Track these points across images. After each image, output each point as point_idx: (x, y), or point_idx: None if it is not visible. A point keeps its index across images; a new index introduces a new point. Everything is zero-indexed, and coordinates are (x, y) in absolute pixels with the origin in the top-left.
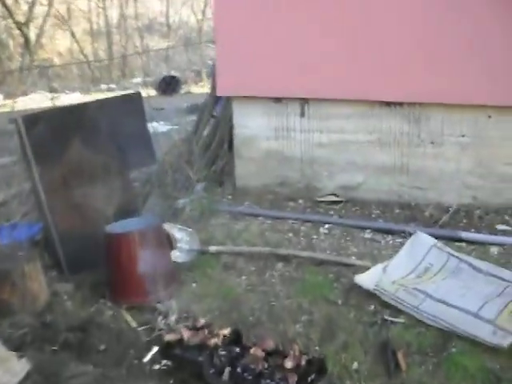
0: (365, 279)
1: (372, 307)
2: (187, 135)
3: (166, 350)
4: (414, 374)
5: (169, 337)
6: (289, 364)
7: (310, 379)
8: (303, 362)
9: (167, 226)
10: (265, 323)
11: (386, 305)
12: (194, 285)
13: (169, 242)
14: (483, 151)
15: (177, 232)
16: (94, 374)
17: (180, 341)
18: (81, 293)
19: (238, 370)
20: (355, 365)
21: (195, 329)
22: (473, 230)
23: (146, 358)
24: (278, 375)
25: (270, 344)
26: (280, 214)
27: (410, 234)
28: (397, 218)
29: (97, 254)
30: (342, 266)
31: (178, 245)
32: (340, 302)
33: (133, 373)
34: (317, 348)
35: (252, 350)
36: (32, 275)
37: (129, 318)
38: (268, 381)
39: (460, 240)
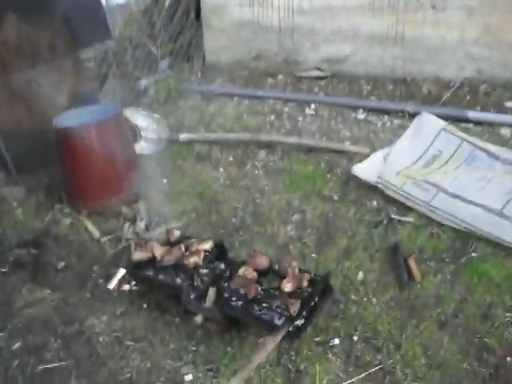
0: (364, 170)
1: (374, 203)
2: (147, 5)
3: (136, 271)
4: (430, 284)
5: (138, 256)
6: (288, 286)
7: (312, 303)
8: (305, 284)
9: (129, 114)
10: (250, 226)
11: (391, 200)
12: (164, 181)
13: (132, 133)
14: (492, 17)
15: (141, 119)
16: (53, 301)
17: (152, 260)
18: (33, 198)
19: (225, 294)
20: (360, 275)
21: (169, 244)
22: (478, 109)
23: (111, 285)
24: (275, 302)
25: (263, 262)
26: (258, 93)
27: (410, 115)
28: (391, 96)
29: (49, 152)
30: (334, 154)
31: (144, 134)
32: (336, 197)
33: (98, 296)
34: (313, 255)
35: (241, 271)
36: None
37: (90, 226)
38: (263, 309)
39: (466, 120)
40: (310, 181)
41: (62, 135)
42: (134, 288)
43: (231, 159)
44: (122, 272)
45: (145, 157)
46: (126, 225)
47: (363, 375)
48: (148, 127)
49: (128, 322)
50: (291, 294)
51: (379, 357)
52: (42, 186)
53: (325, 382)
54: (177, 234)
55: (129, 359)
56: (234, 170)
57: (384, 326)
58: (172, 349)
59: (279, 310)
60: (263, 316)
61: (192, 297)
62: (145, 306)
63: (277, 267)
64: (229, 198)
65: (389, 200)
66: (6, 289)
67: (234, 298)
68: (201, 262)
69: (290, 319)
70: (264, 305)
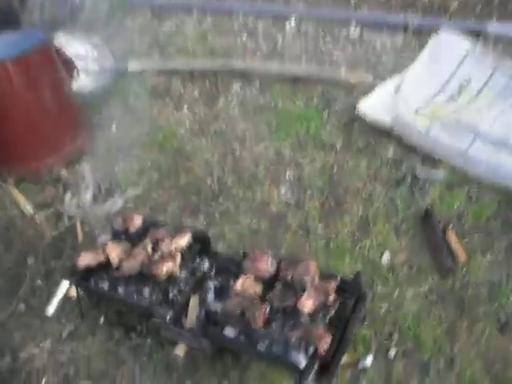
0: (371, 106)
1: (391, 153)
2: None
3: (84, 282)
4: (478, 267)
5: (85, 259)
6: (308, 305)
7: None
8: (331, 297)
9: (62, 40)
10: (232, 189)
11: (412, 148)
12: (113, 128)
13: (66, 66)
14: None
15: (77, 47)
16: None
17: (105, 265)
18: None
19: (216, 316)
20: (386, 257)
21: (128, 237)
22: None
23: (50, 310)
24: (293, 333)
25: (267, 267)
26: (224, 6)
27: (416, 30)
28: (386, 5)
29: None
30: (328, 84)
31: (82, 66)
32: (339, 145)
33: (36, 309)
34: (320, 230)
35: (239, 284)
36: None
37: (20, 197)
38: (278, 345)
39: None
40: (302, 122)
41: None
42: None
43: (197, 94)
44: (64, 287)
45: (85, 96)
46: (68, 195)
47: None
48: (87, 56)
49: (80, 349)
50: (313, 315)
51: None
52: None
53: None
54: (138, 221)
55: None
56: (203, 110)
57: (427, 331)
58: None
59: (301, 344)
60: (279, 355)
61: (167, 318)
62: (101, 320)
63: (287, 273)
64: (199, 148)
65: (409, 148)
66: None
67: (230, 327)
68: (177, 269)
69: (318, 358)
70: (278, 338)
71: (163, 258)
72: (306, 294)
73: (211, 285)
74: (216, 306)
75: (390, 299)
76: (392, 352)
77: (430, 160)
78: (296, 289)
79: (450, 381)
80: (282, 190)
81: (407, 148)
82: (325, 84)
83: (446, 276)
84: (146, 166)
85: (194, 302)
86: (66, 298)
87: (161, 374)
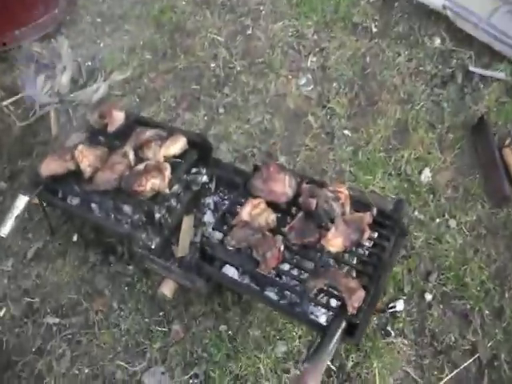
0: None
1: (438, 42)
2: None
3: (49, 196)
4: None
5: (50, 167)
6: (335, 244)
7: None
8: (366, 234)
9: None
10: (240, 77)
11: (467, 39)
12: None
13: None
14: None
15: None
16: None
17: (75, 174)
18: None
19: (216, 252)
20: (426, 175)
21: (107, 142)
22: None
23: (4, 230)
24: (315, 281)
25: (284, 189)
26: None
27: None
28: None
29: None
30: None
31: None
32: (375, 28)
33: None
34: (347, 133)
35: (246, 210)
36: None
37: None
38: (294, 295)
39: None
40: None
41: None
42: None
43: None
44: (20, 204)
45: None
46: (41, 78)
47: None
48: None
49: (49, 274)
50: (341, 258)
51: (468, 335)
52: None
53: None
54: (119, 117)
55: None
56: None
57: (473, 273)
58: (126, 331)
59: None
60: (296, 309)
61: (152, 246)
62: (75, 238)
63: (310, 199)
64: (203, 24)
65: (463, 38)
66: None
67: (234, 266)
68: (165, 185)
69: (346, 317)
70: (296, 287)
71: (148, 171)
72: (333, 229)
73: (210, 202)
74: (215, 233)
75: (428, 228)
76: (428, 296)
77: (489, 54)
78: (321, 221)
79: (496, 336)
80: (302, 81)
81: (460, 37)
82: None
83: (501, 205)
84: (138, 44)
85: (187, 224)
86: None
87: (144, 310)
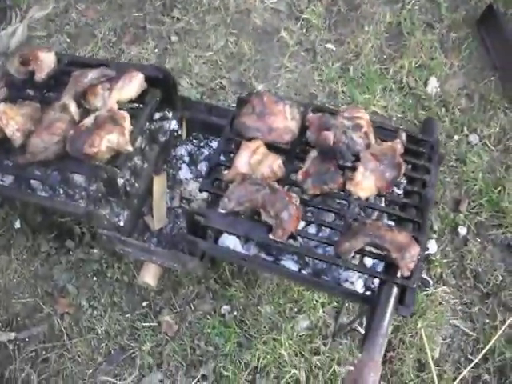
0: None
1: None
2: None
3: None
4: None
5: None
6: (367, 187)
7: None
8: (402, 170)
9: None
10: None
11: None
12: None
13: None
14: None
15: None
16: None
17: (3, 145)
18: None
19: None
20: (433, 84)
21: (36, 95)
22: None
23: None
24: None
25: (282, 122)
26: None
27: None
28: None
29: None
30: None
31: None
32: None
33: None
34: (339, 37)
35: (244, 157)
36: None
37: None
38: (327, 266)
39: None
40: None
41: None
42: None
43: None
44: None
45: None
46: None
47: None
48: None
49: None
50: (374, 204)
51: None
52: None
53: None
54: (49, 59)
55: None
56: None
57: (509, 194)
58: (104, 335)
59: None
60: (324, 278)
61: (121, 223)
62: (17, 225)
63: (321, 132)
64: None
65: None
66: None
67: (237, 236)
68: (126, 141)
69: (398, 281)
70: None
71: (100, 126)
72: (361, 168)
73: (184, 154)
74: (199, 193)
75: (447, 149)
76: (462, 229)
77: None
78: (344, 159)
79: None
80: None
81: None
82: None
83: None
84: None
85: (159, 186)
86: None
87: (122, 303)
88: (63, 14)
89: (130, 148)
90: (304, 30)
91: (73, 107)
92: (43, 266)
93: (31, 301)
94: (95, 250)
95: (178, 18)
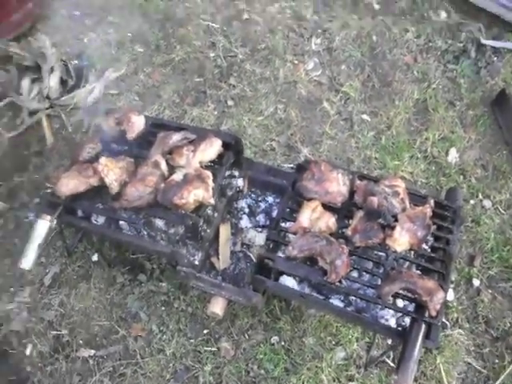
0: None
1: (444, 16)
2: None
3: (71, 218)
4: None
5: (69, 185)
6: (401, 242)
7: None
8: (431, 229)
9: None
10: (244, 65)
11: (473, 10)
12: None
13: None
14: None
15: None
16: None
17: (98, 190)
18: None
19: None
20: (453, 154)
21: (129, 150)
22: None
23: (27, 263)
24: (389, 285)
25: (336, 187)
26: None
27: None
28: None
29: None
30: None
31: None
32: (377, 5)
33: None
34: (366, 118)
35: (305, 216)
36: None
37: None
38: (368, 303)
39: None
40: None
41: None
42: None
43: None
44: (42, 230)
45: None
46: (26, 81)
47: None
48: None
49: (73, 301)
50: (406, 256)
51: None
52: None
53: None
54: (139, 121)
55: None
56: None
57: None
58: (172, 356)
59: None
60: (365, 315)
61: (196, 262)
62: (95, 258)
63: (366, 196)
64: (194, 11)
65: (468, 10)
66: None
67: (292, 278)
68: (210, 195)
69: (426, 320)
70: (369, 295)
71: (189, 181)
72: (399, 227)
73: (244, 206)
74: (255, 239)
75: (464, 211)
76: (476, 281)
77: (499, 25)
78: (386, 220)
79: None
80: (310, 65)
81: (465, 9)
82: None
83: None
84: (126, 37)
85: (225, 233)
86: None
87: (187, 330)
88: (133, 76)
89: (212, 201)
90: (343, 102)
91: (163, 164)
92: (118, 294)
93: (108, 324)
94: (163, 284)
95: (233, 85)
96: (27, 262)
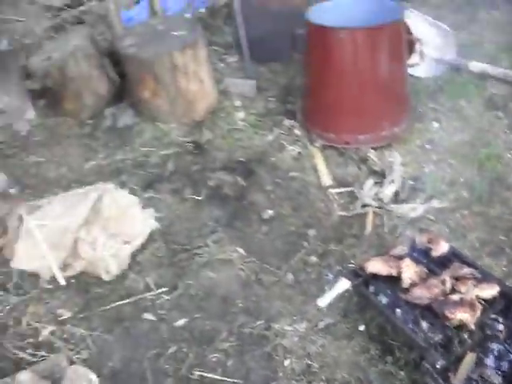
0: None
1: None
2: None
3: (365, 289)
4: None
5: (375, 267)
6: None
7: None
8: None
9: (412, 17)
10: None
11: None
12: (434, 124)
13: (407, 46)
14: None
15: (423, 29)
16: (242, 269)
17: (392, 279)
18: (261, 100)
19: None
20: None
21: (428, 260)
22: None
23: (323, 302)
24: None
25: None
26: None
27: None
28: None
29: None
30: None
31: (423, 49)
32: None
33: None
34: None
35: None
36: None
37: (322, 166)
38: None
39: None
40: None
41: (315, 32)
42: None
43: None
44: (343, 285)
45: (416, 83)
46: (370, 181)
47: None
48: (431, 41)
49: (331, 349)
50: None
51: None
52: (276, 85)
53: None
54: (444, 248)
55: None
56: None
57: None
58: None
59: None
60: None
61: (438, 365)
62: (361, 327)
63: None
64: None
65: None
66: (193, 225)
67: None
68: (472, 322)
69: None
70: None
71: (462, 304)
72: None
73: (495, 349)
74: (495, 378)
75: None
76: None
77: None
78: None
79: None
80: None
81: None
82: None
83: None
84: (458, 180)
85: (469, 359)
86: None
87: None
88: (450, 212)
89: (472, 327)
90: None
91: (448, 284)
92: (365, 362)
93: (347, 377)
94: (401, 372)
95: None
96: (322, 301)
